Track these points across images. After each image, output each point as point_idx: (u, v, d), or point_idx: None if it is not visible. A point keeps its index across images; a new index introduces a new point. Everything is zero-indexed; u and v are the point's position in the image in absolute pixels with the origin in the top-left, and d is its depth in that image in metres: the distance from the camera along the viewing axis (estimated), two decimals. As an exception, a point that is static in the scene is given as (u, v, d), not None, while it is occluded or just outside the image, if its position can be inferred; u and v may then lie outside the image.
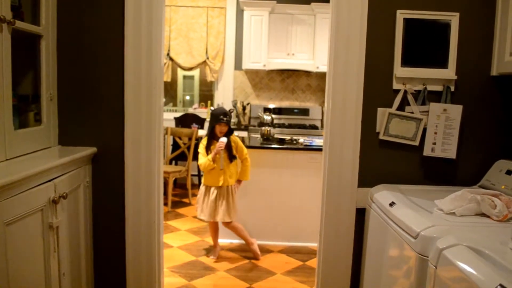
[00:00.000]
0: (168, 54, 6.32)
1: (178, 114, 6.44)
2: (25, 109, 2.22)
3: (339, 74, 2.40)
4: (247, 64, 6.05)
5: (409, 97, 2.41)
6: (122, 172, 2.44)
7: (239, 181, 3.81)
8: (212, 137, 3.68)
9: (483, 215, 1.82)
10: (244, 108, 6.26)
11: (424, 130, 2.40)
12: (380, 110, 2.44)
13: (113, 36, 2.38)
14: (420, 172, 2.48)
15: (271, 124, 4.75)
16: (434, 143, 2.40)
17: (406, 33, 2.39)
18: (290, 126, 5.98)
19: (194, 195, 5.76)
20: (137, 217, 2.47)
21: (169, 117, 6.29)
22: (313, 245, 3.95)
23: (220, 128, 3.64)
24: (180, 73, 7.16)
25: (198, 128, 5.71)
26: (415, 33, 2.39)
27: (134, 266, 2.50)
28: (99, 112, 2.43)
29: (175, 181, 5.98)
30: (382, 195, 2.21)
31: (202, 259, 3.74)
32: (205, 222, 4.66)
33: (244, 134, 5.48)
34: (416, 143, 2.43)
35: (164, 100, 2.68)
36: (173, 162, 5.92)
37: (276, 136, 4.58)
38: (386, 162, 2.47)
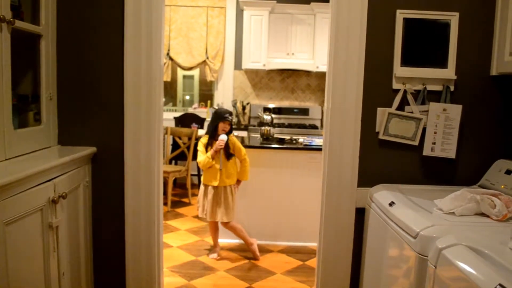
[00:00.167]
0: (168, 54, 6.32)
1: (178, 114, 6.44)
2: (24, 109, 2.22)
3: (339, 73, 2.40)
4: (247, 64, 6.05)
5: (409, 96, 2.41)
6: (121, 171, 2.44)
7: (238, 181, 3.81)
8: (214, 136, 3.68)
9: (482, 214, 1.82)
10: (244, 108, 6.26)
11: (424, 129, 2.41)
12: (379, 109, 2.44)
13: (112, 35, 2.38)
14: (420, 171, 2.48)
15: (271, 124, 4.75)
16: (434, 143, 2.40)
17: (406, 32, 2.39)
18: (290, 126, 5.97)
19: (194, 195, 5.76)
20: (136, 217, 2.47)
21: (169, 116, 6.29)
22: (313, 245, 3.94)
23: (223, 126, 3.66)
24: (180, 72, 7.16)
25: (198, 128, 5.71)
26: (415, 32, 2.39)
27: (134, 266, 2.50)
28: (98, 112, 2.43)
29: (174, 181, 5.97)
30: (382, 194, 2.21)
31: (201, 259, 3.74)
32: (205, 222, 4.67)
33: (244, 134, 5.48)
34: (416, 143, 2.43)
35: (164, 99, 2.68)
36: (173, 161, 5.91)
37: (276, 136, 4.58)
38: (385, 161, 2.47)
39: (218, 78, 6.50)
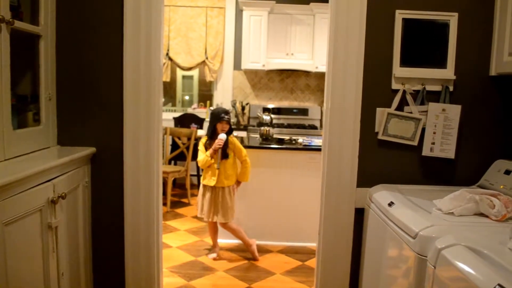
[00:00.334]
0: (167, 54, 6.32)
1: (177, 114, 6.44)
2: (24, 109, 2.22)
3: (338, 74, 2.40)
4: (246, 64, 6.05)
5: (408, 97, 2.41)
6: (121, 172, 2.44)
7: (238, 182, 3.80)
8: (213, 136, 3.67)
9: (481, 215, 1.82)
10: (243, 108, 6.26)
11: (423, 130, 2.41)
12: (379, 110, 2.44)
13: (112, 36, 2.38)
14: (419, 172, 2.48)
15: (270, 124, 4.76)
16: (433, 143, 2.40)
17: (405, 33, 2.39)
18: (289, 126, 5.97)
19: (193, 195, 5.76)
20: (136, 217, 2.47)
21: (168, 117, 6.29)
22: (312, 245, 3.94)
23: (222, 126, 3.64)
24: (179, 73, 7.16)
25: (197, 128, 5.71)
26: (414, 33, 2.39)
27: (133, 266, 2.50)
28: (98, 112, 2.43)
29: (174, 181, 5.98)
30: (381, 195, 2.21)
31: (201, 259, 3.74)
32: (205, 222, 4.67)
33: (243, 134, 5.48)
34: (415, 143, 2.43)
35: (163, 100, 2.68)
36: (172, 162, 5.91)
37: (275, 136, 4.57)
38: (385, 162, 2.47)
39: (217, 78, 6.50)
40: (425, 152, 2.42)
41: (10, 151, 1.92)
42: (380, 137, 2.45)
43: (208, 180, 3.67)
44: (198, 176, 5.88)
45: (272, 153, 4.08)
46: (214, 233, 3.86)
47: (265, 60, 5.99)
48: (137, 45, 2.36)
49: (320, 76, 6.17)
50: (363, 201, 2.43)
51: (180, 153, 5.49)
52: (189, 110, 6.72)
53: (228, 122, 3.67)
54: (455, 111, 2.38)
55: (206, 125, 6.30)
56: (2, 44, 1.83)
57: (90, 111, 2.43)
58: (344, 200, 2.47)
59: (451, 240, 1.50)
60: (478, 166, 2.42)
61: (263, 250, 3.95)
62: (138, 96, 2.39)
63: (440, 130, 2.39)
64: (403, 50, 2.40)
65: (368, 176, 2.46)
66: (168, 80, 6.49)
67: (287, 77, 6.43)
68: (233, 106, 6.16)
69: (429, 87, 2.41)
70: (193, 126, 5.90)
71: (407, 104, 2.42)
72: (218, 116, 3.65)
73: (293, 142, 4.31)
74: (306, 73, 6.33)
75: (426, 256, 1.59)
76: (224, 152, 3.65)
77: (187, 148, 5.36)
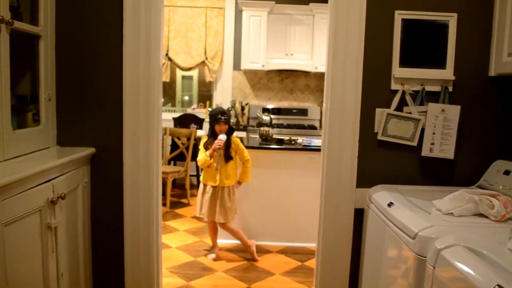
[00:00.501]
0: (166, 55, 6.32)
1: (176, 115, 6.44)
2: (23, 109, 2.22)
3: (337, 74, 2.40)
4: (245, 65, 6.05)
5: (407, 97, 2.42)
6: (120, 172, 2.44)
7: (239, 183, 3.80)
8: (213, 137, 3.67)
9: (481, 215, 1.82)
10: (242, 109, 6.26)
11: (422, 130, 2.41)
12: (378, 110, 2.44)
13: (111, 36, 2.39)
14: (418, 172, 2.48)
15: (270, 125, 4.76)
16: (432, 144, 2.40)
17: (404, 33, 2.39)
18: (288, 126, 5.97)
19: (193, 195, 5.76)
20: (135, 218, 2.47)
21: (167, 117, 6.28)
22: (312, 245, 3.94)
23: (219, 127, 3.63)
24: (179, 73, 7.16)
25: (197, 129, 5.71)
26: (413, 33, 2.40)
27: (133, 267, 2.50)
28: (97, 113, 2.43)
29: (173, 182, 5.98)
30: (381, 195, 2.21)
31: (200, 260, 3.74)
32: (204, 223, 4.67)
33: (242, 134, 5.48)
34: (414, 144, 2.43)
35: (162, 100, 2.68)
36: (172, 162, 5.91)
37: (274, 136, 4.57)
38: (384, 162, 2.47)
39: (217, 78, 6.50)
40: (425, 152, 2.42)
41: (10, 151, 1.92)
42: (379, 137, 2.45)
43: (209, 179, 3.67)
44: (198, 176, 5.87)
45: (271, 154, 4.08)
46: (214, 234, 3.85)
47: (265, 60, 5.99)
48: (136, 46, 2.36)
49: (320, 76, 6.17)
50: (362, 201, 2.43)
51: (179, 154, 5.49)
52: (189, 111, 6.72)
53: (226, 122, 3.65)
54: (454, 111, 2.38)
55: (205, 125, 6.31)
56: (2, 44, 1.83)
57: (89, 111, 2.43)
58: (343, 201, 2.47)
59: (451, 241, 1.50)
60: (478, 167, 2.42)
61: (262, 251, 3.95)
62: (138, 97, 2.39)
63: (439, 131, 2.39)
64: (403, 51, 2.40)
65: (368, 176, 2.46)
66: (167, 80, 6.49)
67: (287, 77, 6.44)
68: (233, 106, 6.16)
69: (429, 88, 2.42)
70: (193, 126, 5.89)
71: (407, 105, 2.42)
72: (215, 117, 3.65)
73: (293, 142, 4.31)
74: (306, 73, 6.34)
75: (425, 257, 1.59)
76: (228, 154, 3.65)
77: (187, 148, 5.35)
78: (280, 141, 4.35)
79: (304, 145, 4.16)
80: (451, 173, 2.48)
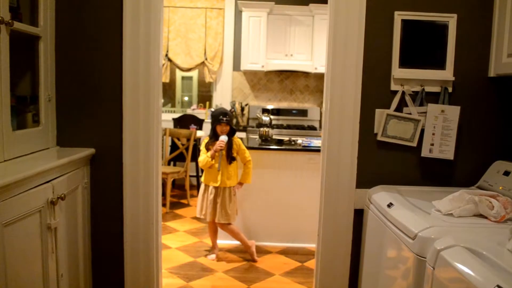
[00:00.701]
0: (166, 55, 6.32)
1: (176, 115, 6.44)
2: (23, 110, 2.22)
3: (337, 75, 2.40)
4: (245, 65, 6.05)
5: (407, 98, 2.42)
6: (120, 173, 2.44)
7: (240, 184, 3.80)
8: (215, 138, 3.67)
9: (480, 216, 1.82)
10: (242, 109, 6.26)
11: (422, 131, 2.41)
12: (378, 111, 2.44)
13: (111, 37, 2.39)
14: (418, 173, 2.48)
15: (270, 125, 4.75)
16: (432, 144, 2.41)
17: (404, 34, 2.39)
18: (288, 127, 5.98)
19: (193, 196, 5.76)
20: (135, 218, 2.47)
21: (167, 118, 6.28)
22: (312, 246, 3.95)
23: (221, 128, 3.64)
24: (179, 74, 7.16)
25: (197, 129, 5.71)
26: (413, 34, 2.40)
27: (132, 267, 2.50)
28: (97, 113, 2.43)
29: (173, 182, 5.98)
30: (380, 196, 2.22)
31: (200, 260, 3.74)
32: (204, 223, 4.67)
33: (242, 135, 5.48)
34: (414, 144, 2.43)
35: (162, 101, 2.68)
36: (172, 163, 5.91)
37: (274, 137, 4.58)
38: (384, 163, 2.47)
39: (216, 79, 6.50)
40: (424, 153, 2.42)
41: (10, 152, 1.92)
42: (379, 138, 2.45)
43: (211, 180, 3.67)
44: (198, 177, 5.88)
45: (271, 154, 4.08)
46: (214, 234, 3.85)
47: (264, 61, 6.00)
48: (136, 46, 2.36)
49: (319, 77, 6.18)
50: (362, 202, 2.43)
51: (179, 154, 5.49)
52: (189, 111, 6.71)
53: (228, 123, 3.65)
54: (454, 112, 2.38)
55: (205, 126, 6.32)
56: (2, 45, 1.83)
57: (89, 112, 2.43)
58: (343, 201, 2.47)
59: (450, 241, 1.50)
60: (477, 167, 2.42)
61: (262, 251, 3.95)
62: (138, 97, 2.39)
63: (439, 131, 2.39)
64: (402, 51, 2.40)
65: (367, 177, 2.46)
66: (167, 81, 6.49)
67: (286, 78, 6.44)
68: (233, 107, 6.17)
69: (428, 88, 2.42)
70: (193, 127, 5.89)
71: (406, 105, 2.43)
72: (216, 118, 3.65)
73: (292, 143, 4.31)
74: (305, 74, 6.34)
75: (425, 257, 1.59)
76: (230, 155, 3.65)
77: (187, 149, 5.35)
78: (279, 142, 4.35)
79: (304, 146, 4.16)
80: (450, 173, 2.48)
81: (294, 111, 6.35)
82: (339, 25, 2.38)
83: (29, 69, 2.26)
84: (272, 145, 4.18)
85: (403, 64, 2.41)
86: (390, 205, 2.02)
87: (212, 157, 3.61)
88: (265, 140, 4.42)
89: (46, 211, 1.92)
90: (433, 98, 2.42)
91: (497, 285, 1.16)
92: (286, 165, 4.05)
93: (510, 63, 2.20)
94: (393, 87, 2.42)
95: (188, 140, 5.37)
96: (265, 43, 5.96)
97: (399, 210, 1.93)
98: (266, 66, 6.03)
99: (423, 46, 2.41)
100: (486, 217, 1.80)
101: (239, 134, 5.25)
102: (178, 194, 5.98)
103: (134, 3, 2.34)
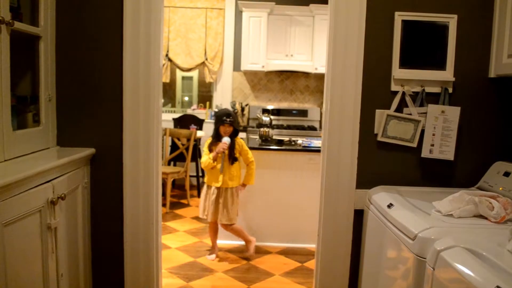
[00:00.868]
0: (166, 55, 6.32)
1: (176, 115, 6.44)
2: (23, 110, 2.22)
3: (337, 75, 2.40)
4: (245, 65, 6.05)
5: (407, 98, 2.42)
6: (120, 173, 2.44)
7: (243, 185, 3.79)
8: (217, 139, 3.68)
9: (481, 216, 1.82)
10: (242, 109, 6.27)
11: (422, 131, 2.41)
12: (378, 111, 2.44)
13: (111, 37, 2.39)
14: (418, 173, 2.48)
15: (270, 125, 4.75)
16: (432, 145, 2.41)
17: (404, 34, 2.39)
18: (288, 127, 5.98)
19: (193, 196, 5.77)
20: (135, 218, 2.47)
21: (167, 118, 6.28)
22: (311, 246, 3.94)
23: (224, 129, 3.64)
24: (179, 74, 7.16)
25: (197, 129, 5.71)
26: (413, 34, 2.40)
27: (132, 267, 2.50)
28: (97, 113, 2.43)
29: (173, 182, 5.98)
30: (380, 196, 2.22)
31: (200, 260, 3.74)
32: (204, 223, 4.67)
33: (242, 135, 5.47)
34: (414, 145, 2.43)
35: (162, 101, 2.68)
36: (172, 163, 5.91)
37: (274, 137, 4.58)
38: (384, 163, 2.47)
39: (217, 79, 6.50)
40: (424, 153, 2.42)
41: (10, 152, 1.92)
42: (379, 138, 2.45)
43: (213, 181, 3.67)
44: (198, 177, 5.88)
45: (271, 154, 4.08)
46: (215, 235, 3.85)
47: (265, 61, 6.00)
48: (136, 46, 2.36)
49: (320, 77, 6.18)
50: (362, 202, 2.43)
51: (179, 154, 5.49)
52: (189, 111, 6.71)
53: (231, 124, 3.64)
54: (454, 112, 2.38)
55: (205, 126, 6.32)
56: (2, 45, 1.83)
57: (89, 112, 2.43)
58: (343, 202, 2.47)
59: (450, 242, 1.50)
60: (477, 168, 2.42)
61: (262, 251, 3.95)
62: (138, 97, 2.39)
63: (439, 132, 2.39)
64: (403, 52, 2.40)
65: (367, 177, 2.46)
66: (167, 81, 6.49)
67: (287, 78, 6.44)
68: (233, 107, 6.17)
69: (429, 89, 2.42)
70: (193, 127, 5.89)
71: (407, 106, 2.43)
72: (220, 119, 3.65)
73: (293, 143, 4.31)
74: (306, 74, 6.34)
75: (425, 258, 1.59)
76: (232, 156, 3.65)
77: (187, 149, 5.35)
78: (280, 142, 4.35)
79: (304, 146, 4.16)
80: (451, 174, 2.48)
81: (294, 112, 6.35)
82: (339, 26, 2.38)
83: (30, 69, 2.26)
84: (272, 146, 4.18)
85: (404, 64, 2.41)
86: (390, 205, 2.02)
87: (214, 159, 3.61)
88: (265, 141, 4.42)
89: (46, 211, 1.92)
90: (433, 98, 2.42)
91: (497, 286, 1.16)
92: (286, 166, 4.05)
93: (510, 64, 2.20)
94: (393, 87, 2.43)
95: (188, 140, 5.37)
96: (266, 43, 5.96)
97: (399, 211, 1.94)
98: (267, 66, 6.03)
99: (423, 47, 2.41)
100: (486, 218, 1.80)
101: (239, 135, 5.25)
102: (178, 194, 5.98)
103: (135, 3, 2.34)
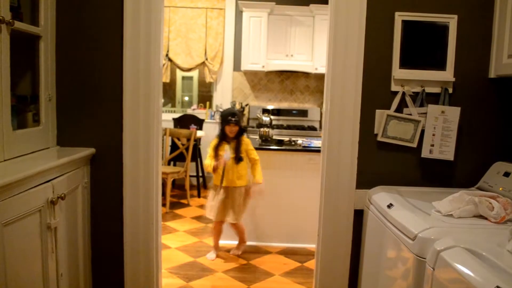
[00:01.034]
0: (167, 55, 6.32)
1: (176, 115, 6.44)
2: (23, 110, 2.22)
3: (337, 75, 2.40)
4: (246, 65, 6.05)
5: (407, 98, 2.42)
6: (120, 173, 2.44)
7: (255, 184, 3.74)
8: (223, 138, 3.69)
9: (480, 217, 1.82)
10: (243, 109, 6.26)
11: (422, 132, 2.41)
12: (378, 111, 2.44)
13: (111, 36, 2.39)
14: (418, 173, 2.48)
15: (270, 125, 4.75)
16: (432, 145, 2.41)
17: (405, 35, 2.39)
18: (288, 127, 5.98)
19: (193, 196, 5.77)
20: (135, 218, 2.47)
21: (167, 118, 6.28)
22: (311, 246, 3.94)
23: (230, 129, 3.66)
24: (179, 74, 7.16)
25: (197, 129, 5.71)
26: (414, 35, 2.40)
27: (132, 267, 2.50)
28: (97, 113, 2.43)
29: (173, 182, 5.98)
30: (380, 196, 2.22)
31: (200, 260, 3.74)
32: (204, 223, 4.67)
33: (242, 135, 5.47)
34: (414, 145, 2.43)
35: (162, 101, 2.68)
36: (172, 163, 5.91)
37: (274, 137, 4.58)
38: (384, 163, 2.47)
39: (217, 79, 6.50)
40: (424, 154, 2.42)
41: (10, 151, 1.92)
42: (379, 138, 2.45)
43: (221, 180, 3.68)
44: (198, 177, 5.88)
45: (271, 154, 4.08)
46: (218, 235, 3.86)
47: (265, 61, 6.00)
48: (137, 46, 2.36)
49: (320, 77, 6.18)
50: (362, 202, 2.43)
51: (179, 154, 5.49)
52: (189, 111, 6.71)
53: (237, 123, 3.66)
54: (454, 113, 2.38)
55: (205, 126, 6.32)
56: (2, 44, 1.83)
57: (89, 111, 2.43)
58: (343, 202, 2.47)
59: (450, 242, 1.50)
60: (477, 168, 2.42)
61: (262, 251, 3.95)
62: (138, 97, 2.39)
63: (439, 132, 2.39)
64: (403, 52, 2.40)
65: (367, 177, 2.46)
66: (167, 81, 6.49)
67: (287, 78, 6.44)
68: (233, 107, 6.17)
69: (429, 89, 2.42)
70: (193, 127, 5.89)
71: (407, 106, 2.42)
72: (225, 119, 3.67)
73: (293, 143, 4.31)
74: (306, 74, 6.34)
75: (425, 258, 1.59)
76: (238, 156, 3.66)
77: (187, 149, 5.35)
78: (280, 142, 4.35)
79: (304, 146, 4.16)
80: (450, 174, 2.48)
81: (294, 112, 6.35)
82: (339, 26, 2.38)
83: (30, 68, 2.26)
84: (272, 146, 4.18)
85: (404, 64, 2.41)
86: (390, 205, 2.02)
87: (215, 170, 3.65)
88: (265, 141, 4.42)
89: (46, 210, 1.92)
90: (433, 99, 2.42)
91: (497, 286, 1.16)
92: (286, 166, 4.05)
93: (510, 64, 2.20)
94: (394, 87, 2.43)
95: (188, 140, 5.37)
96: (266, 44, 5.96)
97: (399, 211, 1.94)
98: (267, 67, 6.03)
99: (423, 47, 2.41)
100: (486, 218, 1.80)
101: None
102: (178, 194, 5.98)
103: (135, 3, 2.34)
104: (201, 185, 6.07)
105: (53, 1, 2.32)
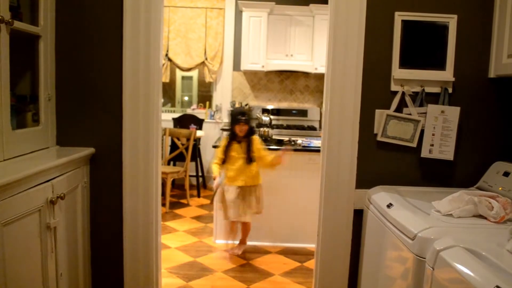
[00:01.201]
0: (166, 55, 6.32)
1: (176, 115, 6.44)
2: (23, 109, 2.22)
3: (337, 75, 2.40)
4: (245, 65, 6.05)
5: (407, 98, 2.42)
6: (120, 172, 2.44)
7: (279, 159, 3.65)
8: (233, 138, 3.70)
9: (480, 216, 1.82)
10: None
11: (422, 131, 2.41)
12: (378, 111, 2.44)
13: (111, 36, 2.39)
14: (418, 173, 2.48)
15: (270, 125, 4.75)
16: (432, 145, 2.41)
17: (404, 34, 2.39)
18: (288, 127, 5.98)
19: (192, 196, 5.77)
20: (135, 218, 2.47)
21: (167, 117, 6.28)
22: (311, 246, 3.94)
23: (239, 128, 3.68)
24: (179, 73, 7.16)
25: (197, 129, 5.71)
26: (413, 34, 2.40)
27: (132, 267, 2.50)
28: (97, 113, 2.43)
29: (173, 182, 5.98)
30: (380, 196, 2.22)
31: (200, 260, 3.74)
32: (204, 223, 4.67)
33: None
34: (414, 145, 2.43)
35: (162, 100, 2.68)
36: (171, 162, 5.91)
37: (274, 137, 4.58)
38: (383, 163, 2.47)
39: (216, 79, 6.50)
40: (424, 153, 2.42)
41: (9, 151, 1.92)
42: (379, 138, 2.45)
43: (233, 181, 3.69)
44: (197, 177, 5.88)
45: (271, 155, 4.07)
46: (236, 233, 3.92)
47: (265, 61, 6.00)
48: (136, 46, 2.36)
49: (320, 77, 6.17)
50: (361, 202, 2.43)
51: (179, 154, 5.49)
52: (188, 111, 6.71)
53: (246, 122, 3.67)
54: (454, 112, 2.38)
55: (205, 125, 6.32)
56: (2, 44, 1.83)
57: (89, 111, 2.43)
58: (343, 201, 2.47)
59: (450, 242, 1.50)
60: (477, 168, 2.42)
61: (262, 251, 3.95)
62: (137, 97, 2.39)
63: (439, 132, 2.39)
64: (402, 52, 2.40)
65: (367, 177, 2.46)
66: (167, 80, 6.49)
67: (287, 78, 6.44)
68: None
69: (428, 89, 2.42)
70: (192, 126, 5.89)
71: (406, 106, 2.42)
72: (234, 118, 3.71)
73: (292, 143, 4.31)
74: (306, 74, 6.34)
75: (424, 258, 1.59)
76: (249, 157, 3.68)
77: (186, 149, 5.35)
78: (279, 142, 4.35)
79: (304, 146, 4.16)
80: (450, 174, 2.48)
81: (294, 111, 6.35)
82: (339, 26, 2.38)
83: (29, 68, 2.26)
84: (272, 145, 4.17)
85: (403, 64, 2.41)
86: (389, 205, 2.02)
87: (216, 188, 3.73)
88: (265, 140, 4.41)
89: (45, 210, 1.92)
90: (433, 98, 2.42)
91: (497, 286, 1.16)
92: (286, 165, 4.04)
93: (510, 64, 2.20)
94: (393, 87, 2.43)
95: (188, 140, 5.37)
96: (265, 43, 5.96)
97: (399, 211, 1.94)
98: (266, 66, 6.03)
99: (423, 47, 2.41)
100: (485, 218, 1.80)
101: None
102: (177, 194, 5.98)
103: (134, 3, 2.34)
104: (201, 185, 6.06)
105: (53, 1, 2.32)
